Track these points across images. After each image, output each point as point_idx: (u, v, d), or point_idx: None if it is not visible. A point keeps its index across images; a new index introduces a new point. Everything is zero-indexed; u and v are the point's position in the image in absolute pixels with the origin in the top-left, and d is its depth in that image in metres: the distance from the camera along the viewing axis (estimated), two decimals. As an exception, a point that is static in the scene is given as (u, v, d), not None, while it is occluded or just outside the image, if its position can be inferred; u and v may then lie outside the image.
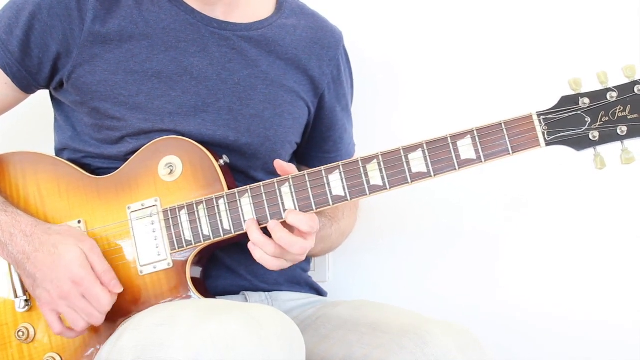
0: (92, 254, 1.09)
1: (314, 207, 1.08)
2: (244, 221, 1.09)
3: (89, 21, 1.16)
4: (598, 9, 1.39)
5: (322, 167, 1.08)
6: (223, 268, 1.21)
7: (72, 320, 1.08)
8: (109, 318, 1.11)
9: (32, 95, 1.25)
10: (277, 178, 1.09)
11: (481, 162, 1.04)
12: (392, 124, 1.52)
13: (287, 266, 1.09)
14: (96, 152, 1.19)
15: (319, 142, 1.35)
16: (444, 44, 1.49)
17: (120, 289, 1.10)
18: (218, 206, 1.10)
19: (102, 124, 1.18)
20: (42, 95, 1.27)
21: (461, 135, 1.04)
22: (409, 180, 1.06)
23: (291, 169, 1.10)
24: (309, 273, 1.37)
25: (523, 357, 1.44)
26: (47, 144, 1.30)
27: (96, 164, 1.20)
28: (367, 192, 1.07)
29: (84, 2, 1.16)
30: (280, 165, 1.10)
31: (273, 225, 1.07)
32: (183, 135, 1.16)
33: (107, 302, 1.08)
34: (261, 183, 1.09)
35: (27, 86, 1.21)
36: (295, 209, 1.08)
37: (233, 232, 1.10)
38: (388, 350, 1.04)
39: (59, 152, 1.26)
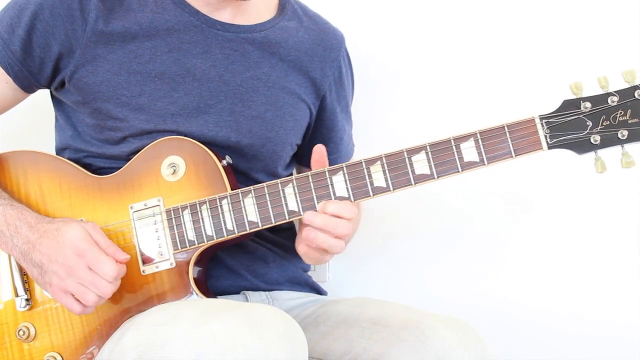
0: (95, 232, 1.08)
1: (317, 209, 1.08)
2: (247, 222, 1.09)
3: (91, 21, 1.15)
4: (599, 13, 1.40)
5: (326, 168, 1.09)
6: (224, 268, 1.21)
7: (82, 295, 1.05)
8: (110, 317, 1.11)
9: (33, 94, 1.25)
10: (281, 179, 1.10)
11: (484, 164, 1.04)
12: (394, 126, 1.52)
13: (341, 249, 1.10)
14: (98, 151, 1.19)
15: (319, 143, 1.35)
16: (446, 47, 1.49)
17: (126, 257, 1.08)
18: (221, 206, 1.10)
19: (104, 125, 1.18)
20: (44, 94, 1.27)
21: (464, 137, 1.05)
22: (413, 182, 1.06)
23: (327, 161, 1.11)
24: (309, 273, 1.37)
25: (524, 357, 1.44)
26: (48, 143, 1.30)
27: (98, 164, 1.20)
28: (371, 194, 1.07)
29: (86, 2, 1.15)
30: (320, 150, 1.11)
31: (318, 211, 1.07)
32: (185, 136, 1.16)
33: (112, 269, 1.05)
34: (265, 184, 1.10)
35: (28, 86, 1.20)
36: (299, 210, 1.08)
37: (236, 232, 1.10)
38: (388, 344, 1.04)
39: (60, 151, 1.26)
